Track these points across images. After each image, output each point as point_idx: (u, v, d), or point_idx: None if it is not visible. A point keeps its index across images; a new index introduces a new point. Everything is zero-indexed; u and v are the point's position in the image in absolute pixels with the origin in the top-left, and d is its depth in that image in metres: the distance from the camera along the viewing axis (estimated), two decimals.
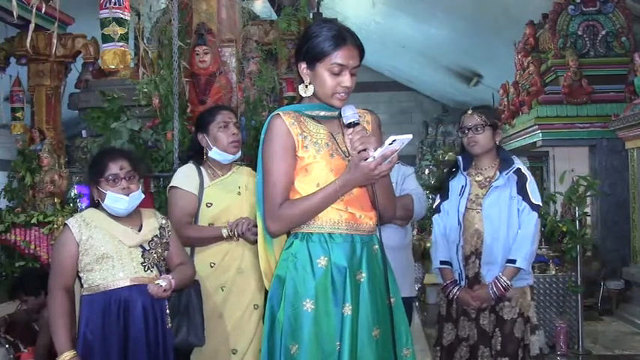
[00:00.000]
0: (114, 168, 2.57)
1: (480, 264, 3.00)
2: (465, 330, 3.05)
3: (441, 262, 3.12)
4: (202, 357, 2.94)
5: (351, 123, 2.02)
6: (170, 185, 3.07)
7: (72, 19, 7.31)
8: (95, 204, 2.64)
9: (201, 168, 3.06)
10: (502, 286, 2.93)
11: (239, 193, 3.04)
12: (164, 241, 2.69)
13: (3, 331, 3.96)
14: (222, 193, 3.02)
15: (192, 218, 3.00)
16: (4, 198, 6.71)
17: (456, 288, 3.05)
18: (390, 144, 1.90)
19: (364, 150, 1.95)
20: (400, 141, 1.90)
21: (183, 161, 3.26)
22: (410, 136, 1.90)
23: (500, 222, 2.97)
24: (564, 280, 5.20)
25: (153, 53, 4.60)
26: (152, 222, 2.68)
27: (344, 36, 2.06)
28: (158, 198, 4.16)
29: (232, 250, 2.98)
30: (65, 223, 2.60)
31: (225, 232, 2.90)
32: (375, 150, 1.94)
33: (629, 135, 6.38)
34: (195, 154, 3.11)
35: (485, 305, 2.99)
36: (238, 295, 2.97)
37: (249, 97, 4.70)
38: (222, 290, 2.97)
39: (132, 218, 2.63)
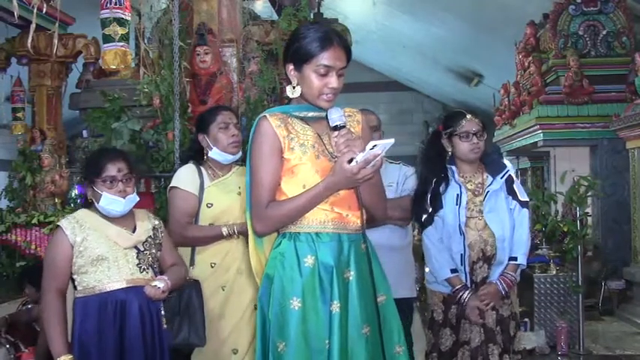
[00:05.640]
0: (112, 170, 2.54)
1: (488, 267, 3.02)
2: (466, 333, 3.02)
3: (451, 271, 3.03)
4: (203, 357, 2.94)
5: (337, 126, 2.04)
6: (170, 185, 3.07)
7: (73, 19, 7.32)
8: (88, 204, 2.61)
9: (202, 168, 3.06)
10: (510, 280, 2.98)
11: (239, 194, 3.03)
12: (157, 241, 2.68)
13: (4, 331, 3.96)
14: (222, 194, 3.02)
15: (193, 218, 3.00)
16: (4, 198, 6.72)
17: (467, 291, 2.98)
18: (371, 149, 1.91)
19: (348, 153, 1.96)
20: (382, 146, 1.92)
21: (183, 161, 3.26)
22: (391, 141, 1.92)
23: (504, 223, 3.00)
24: (565, 280, 5.20)
25: (154, 53, 4.60)
26: (145, 223, 2.67)
27: (330, 37, 2.07)
28: (159, 198, 4.16)
29: (232, 251, 2.98)
30: (57, 225, 2.55)
31: (225, 231, 2.91)
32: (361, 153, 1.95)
33: (630, 135, 6.36)
34: (196, 155, 3.11)
35: (493, 304, 3.00)
36: (239, 295, 2.97)
37: (249, 97, 4.70)
38: (223, 290, 2.97)
39: (125, 219, 2.61)
